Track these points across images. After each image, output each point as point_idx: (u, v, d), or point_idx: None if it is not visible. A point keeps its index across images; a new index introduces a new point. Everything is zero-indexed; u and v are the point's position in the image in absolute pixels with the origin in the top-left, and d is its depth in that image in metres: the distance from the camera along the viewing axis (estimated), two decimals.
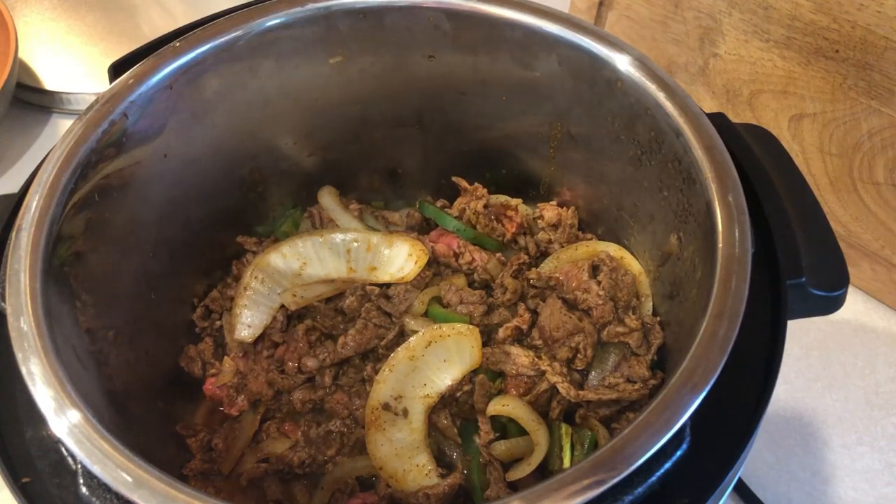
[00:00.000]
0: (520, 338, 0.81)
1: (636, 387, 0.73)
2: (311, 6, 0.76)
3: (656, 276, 0.80)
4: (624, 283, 0.80)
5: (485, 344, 0.79)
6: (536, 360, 0.76)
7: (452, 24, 0.78)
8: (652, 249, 0.80)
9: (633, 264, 0.83)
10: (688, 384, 0.52)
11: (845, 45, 0.93)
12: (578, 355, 0.77)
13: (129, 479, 0.49)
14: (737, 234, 0.60)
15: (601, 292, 0.79)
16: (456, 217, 0.90)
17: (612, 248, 0.85)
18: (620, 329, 0.77)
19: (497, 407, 0.75)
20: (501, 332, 0.79)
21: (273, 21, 0.76)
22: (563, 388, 0.74)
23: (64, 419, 0.52)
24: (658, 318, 0.78)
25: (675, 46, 1.13)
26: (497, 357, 0.77)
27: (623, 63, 0.72)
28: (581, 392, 0.74)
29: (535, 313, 0.81)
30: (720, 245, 0.60)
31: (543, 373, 0.75)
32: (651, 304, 0.81)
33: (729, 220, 0.61)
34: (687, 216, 0.69)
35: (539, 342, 0.79)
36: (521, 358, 0.77)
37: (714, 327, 0.55)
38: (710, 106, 1.13)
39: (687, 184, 0.67)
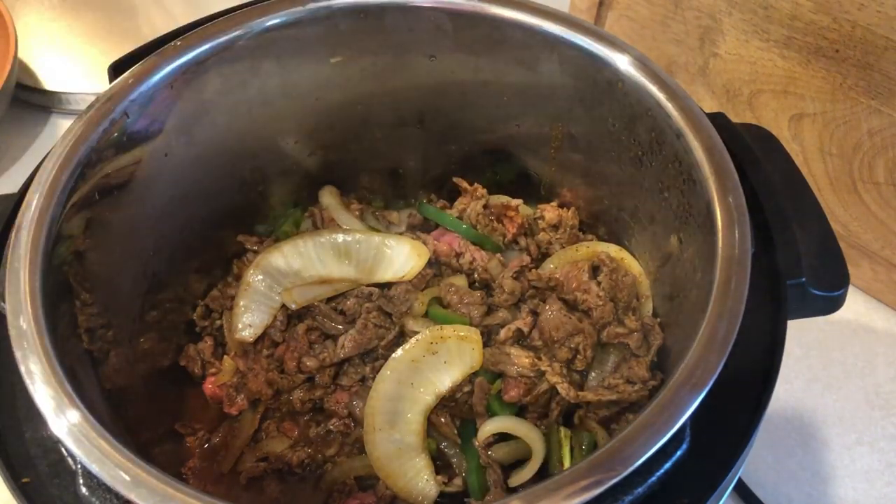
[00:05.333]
0: (520, 339, 0.81)
1: (636, 388, 0.73)
2: (311, 6, 0.76)
3: (656, 277, 0.80)
4: (624, 283, 0.80)
5: (484, 344, 0.79)
6: (536, 360, 0.76)
7: (453, 24, 0.78)
8: (652, 250, 0.80)
9: (634, 265, 0.83)
10: (687, 384, 0.52)
11: (845, 45, 0.93)
12: (578, 356, 0.77)
13: (127, 477, 0.49)
14: (737, 235, 0.60)
15: (601, 293, 0.79)
16: (456, 217, 0.90)
17: (613, 249, 0.85)
18: (620, 330, 0.77)
19: (489, 428, 0.75)
20: (503, 334, 0.79)
21: (273, 20, 0.76)
22: (563, 388, 0.74)
23: (63, 418, 0.52)
24: (658, 320, 0.77)
25: (675, 46, 1.13)
26: (497, 358, 0.77)
27: (624, 63, 0.72)
28: (580, 393, 0.74)
29: (535, 314, 0.81)
30: (720, 246, 0.60)
31: (543, 373, 0.75)
32: (651, 305, 0.81)
33: (729, 221, 0.61)
34: (687, 217, 0.69)
35: (539, 343, 0.79)
36: (521, 359, 0.77)
37: (713, 328, 0.55)
38: (710, 106, 1.13)
39: (687, 185, 0.67)
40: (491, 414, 0.77)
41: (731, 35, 1.05)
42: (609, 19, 1.20)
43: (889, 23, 0.88)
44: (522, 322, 0.80)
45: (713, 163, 0.64)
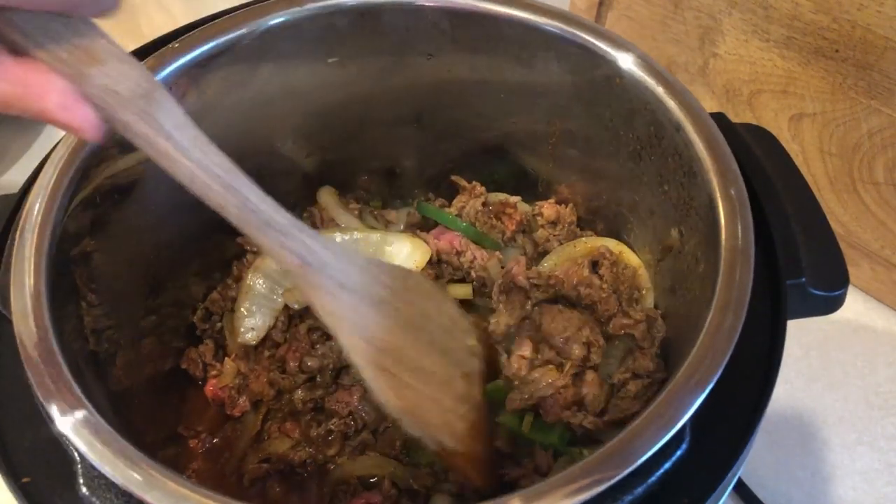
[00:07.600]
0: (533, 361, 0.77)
1: (645, 382, 0.72)
2: (310, 6, 0.76)
3: (657, 270, 0.80)
4: (625, 276, 0.80)
5: (489, 357, 0.76)
6: (559, 371, 0.74)
7: (451, 23, 0.78)
8: (652, 244, 0.80)
9: (633, 258, 0.83)
10: (692, 379, 0.52)
11: (845, 45, 0.93)
12: (593, 348, 0.75)
13: (139, 478, 0.49)
14: (739, 226, 0.60)
15: (604, 285, 0.79)
16: (455, 215, 0.90)
17: (612, 243, 0.85)
18: (626, 321, 0.76)
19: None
20: (515, 362, 0.76)
21: (273, 21, 0.76)
22: (579, 418, 0.72)
23: (71, 420, 0.52)
24: (660, 312, 0.77)
25: (674, 46, 1.13)
26: (527, 390, 0.74)
27: (621, 59, 0.72)
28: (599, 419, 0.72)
29: (536, 330, 0.79)
30: (723, 238, 0.59)
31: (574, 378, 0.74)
32: (652, 297, 0.80)
33: (731, 212, 0.61)
34: (688, 210, 0.69)
35: (551, 354, 0.76)
36: (546, 376, 0.74)
37: (720, 319, 0.55)
38: (710, 106, 1.12)
39: (688, 178, 0.67)
40: (538, 445, 0.74)
41: (730, 35, 1.05)
42: (609, 19, 1.20)
43: (889, 23, 0.88)
44: (528, 349, 0.77)
45: (714, 155, 0.64)
